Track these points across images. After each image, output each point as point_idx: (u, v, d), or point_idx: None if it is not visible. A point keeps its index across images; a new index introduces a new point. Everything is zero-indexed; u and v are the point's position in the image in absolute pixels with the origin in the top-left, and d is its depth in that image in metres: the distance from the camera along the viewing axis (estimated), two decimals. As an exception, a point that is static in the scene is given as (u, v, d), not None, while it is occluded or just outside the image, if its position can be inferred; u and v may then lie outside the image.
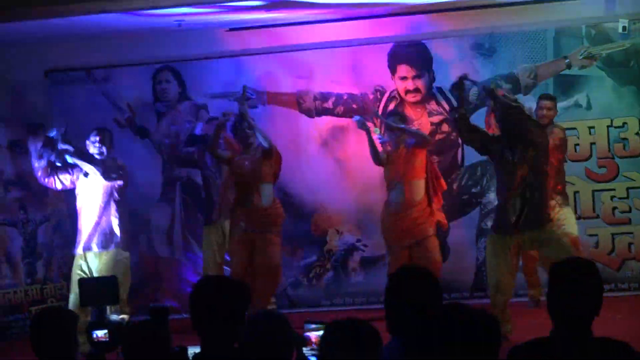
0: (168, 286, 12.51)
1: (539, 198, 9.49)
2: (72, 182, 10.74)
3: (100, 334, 7.52)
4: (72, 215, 11.50)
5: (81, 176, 10.53)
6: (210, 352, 4.83)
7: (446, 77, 11.96)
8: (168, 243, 12.48)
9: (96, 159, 10.53)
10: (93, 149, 10.51)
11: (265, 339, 4.87)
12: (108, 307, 9.18)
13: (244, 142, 10.72)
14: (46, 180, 10.73)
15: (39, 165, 10.66)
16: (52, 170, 10.69)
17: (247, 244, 10.69)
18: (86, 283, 10.04)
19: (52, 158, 10.66)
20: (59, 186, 10.77)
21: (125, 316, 9.51)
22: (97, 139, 10.50)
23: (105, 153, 10.49)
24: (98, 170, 10.44)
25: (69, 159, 10.59)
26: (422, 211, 10.56)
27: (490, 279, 9.69)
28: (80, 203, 10.70)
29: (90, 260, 10.60)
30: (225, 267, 11.29)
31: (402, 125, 10.55)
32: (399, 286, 5.04)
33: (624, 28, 11.52)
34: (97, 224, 10.52)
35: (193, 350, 5.13)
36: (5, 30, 11.06)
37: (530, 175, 9.44)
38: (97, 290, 9.36)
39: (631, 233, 11.69)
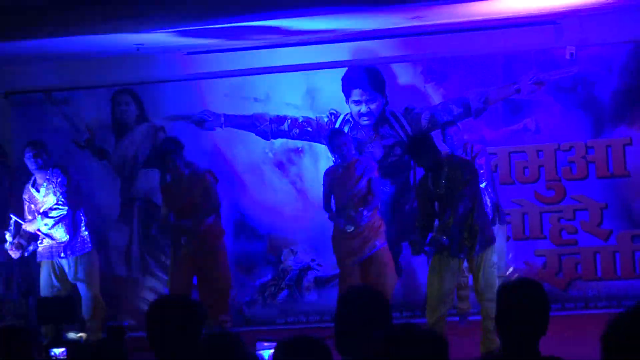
0: (125, 305, 12.48)
1: (485, 221, 9.59)
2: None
3: (57, 352, 7.50)
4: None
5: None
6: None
7: (399, 101, 12.07)
8: (126, 262, 12.46)
9: (40, 173, 10.60)
10: (31, 165, 10.54)
11: (220, 358, 4.91)
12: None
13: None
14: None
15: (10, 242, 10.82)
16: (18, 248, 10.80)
17: (188, 263, 10.68)
18: (44, 302, 10.02)
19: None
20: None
21: (82, 334, 9.49)
22: (31, 154, 10.51)
23: (42, 163, 10.50)
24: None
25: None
26: (371, 227, 10.58)
27: (431, 295, 9.70)
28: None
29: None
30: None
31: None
32: (347, 308, 5.09)
33: (571, 55, 11.64)
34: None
35: (150, 368, 5.15)
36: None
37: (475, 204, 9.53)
38: (55, 308, 9.33)
39: (578, 254, 11.78)
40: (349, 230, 10.32)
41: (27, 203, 10.76)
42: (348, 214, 10.35)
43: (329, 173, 10.73)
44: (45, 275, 10.66)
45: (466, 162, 9.72)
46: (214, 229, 10.79)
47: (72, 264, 10.57)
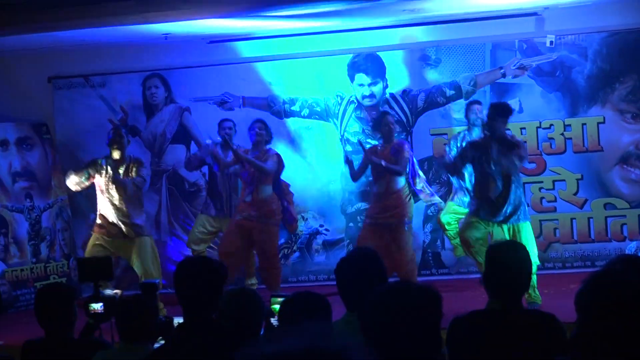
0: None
1: (519, 195, 9.56)
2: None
3: (96, 306, 7.48)
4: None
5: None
6: (192, 322, 4.86)
7: (398, 84, 12.06)
8: (156, 227, 12.44)
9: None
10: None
11: (239, 311, 4.92)
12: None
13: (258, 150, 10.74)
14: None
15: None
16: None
17: (244, 230, 10.66)
18: (84, 262, 10.01)
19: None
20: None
21: (118, 291, 9.48)
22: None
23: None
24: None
25: None
26: (403, 197, 10.45)
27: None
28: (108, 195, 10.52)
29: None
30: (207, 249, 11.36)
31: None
32: (343, 268, 5.10)
33: (551, 42, 11.61)
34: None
35: (178, 320, 5.16)
36: (14, 41, 11.03)
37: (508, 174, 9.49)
38: (93, 268, 9.33)
39: (556, 220, 11.78)
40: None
41: None
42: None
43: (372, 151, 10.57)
44: None
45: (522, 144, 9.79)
46: (272, 203, 10.83)
47: None
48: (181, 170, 12.52)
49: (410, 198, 10.49)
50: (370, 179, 11.29)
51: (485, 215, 9.52)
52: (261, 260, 10.91)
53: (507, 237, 9.30)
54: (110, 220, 10.18)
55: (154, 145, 12.55)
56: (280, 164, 10.86)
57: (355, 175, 10.64)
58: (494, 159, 9.42)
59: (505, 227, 9.45)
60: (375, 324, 3.36)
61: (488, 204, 9.49)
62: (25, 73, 12.80)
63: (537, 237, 11.51)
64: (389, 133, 10.33)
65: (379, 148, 10.47)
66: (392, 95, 12.12)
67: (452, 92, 11.94)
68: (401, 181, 10.38)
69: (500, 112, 9.52)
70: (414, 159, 10.66)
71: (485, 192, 9.56)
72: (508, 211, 9.42)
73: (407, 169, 10.46)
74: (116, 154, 10.09)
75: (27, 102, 12.78)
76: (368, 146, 10.84)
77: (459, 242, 10.42)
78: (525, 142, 11.47)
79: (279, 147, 11.60)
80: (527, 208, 9.75)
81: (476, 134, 10.41)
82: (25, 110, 12.69)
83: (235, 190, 11.32)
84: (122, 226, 10.14)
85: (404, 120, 11.83)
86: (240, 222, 10.72)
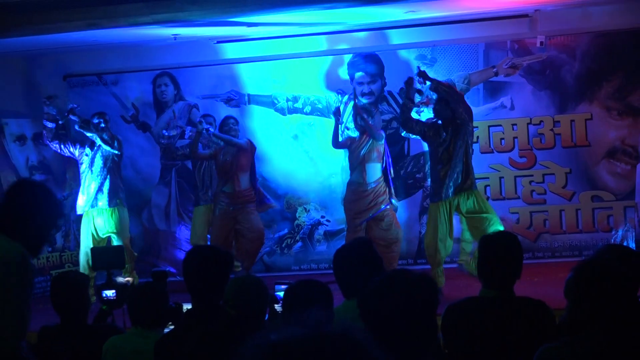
0: (165, 254, 12.53)
1: (467, 166, 9.63)
2: (71, 153, 11.03)
3: (109, 293, 7.48)
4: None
5: (85, 150, 10.78)
6: (199, 308, 4.85)
7: (395, 83, 12.03)
8: (166, 218, 12.47)
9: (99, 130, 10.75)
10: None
11: (244, 297, 4.91)
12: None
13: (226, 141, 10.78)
14: (49, 141, 10.98)
15: (48, 127, 10.90)
16: (56, 136, 10.97)
17: (228, 218, 10.79)
18: (97, 250, 10.03)
19: (60, 122, 11.05)
20: (56, 149, 11.07)
21: (130, 279, 9.49)
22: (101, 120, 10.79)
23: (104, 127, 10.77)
24: (99, 137, 10.74)
25: (77, 128, 10.92)
26: (379, 189, 10.57)
27: (429, 241, 9.84)
28: (83, 169, 10.87)
29: (97, 216, 10.82)
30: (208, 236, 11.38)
31: (367, 118, 10.60)
32: (340, 258, 5.13)
33: (541, 43, 11.58)
34: (102, 185, 10.67)
35: (187, 306, 5.15)
36: (31, 41, 11.02)
37: (459, 149, 9.57)
38: (106, 256, 9.34)
39: (546, 211, 11.78)
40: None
41: None
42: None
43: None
44: None
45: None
46: (250, 192, 10.98)
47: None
48: (189, 164, 12.51)
49: (385, 187, 10.67)
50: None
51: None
52: (243, 241, 10.99)
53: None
54: None
55: (163, 143, 12.52)
56: (252, 145, 11.10)
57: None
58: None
59: None
60: (373, 311, 3.35)
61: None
62: (42, 71, 12.82)
63: (527, 228, 11.60)
64: (362, 127, 10.56)
65: (356, 139, 10.69)
66: (389, 92, 12.10)
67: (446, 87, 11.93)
68: (377, 173, 10.52)
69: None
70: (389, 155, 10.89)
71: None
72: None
73: (383, 163, 10.69)
74: None
75: (53, 101, 12.78)
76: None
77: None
78: (516, 136, 11.52)
79: (283, 143, 11.61)
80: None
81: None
82: (41, 107, 12.68)
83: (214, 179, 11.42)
84: None
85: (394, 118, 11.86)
86: (222, 212, 10.87)
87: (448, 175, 9.64)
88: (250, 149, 10.97)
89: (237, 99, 12.37)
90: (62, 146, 10.98)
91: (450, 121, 9.67)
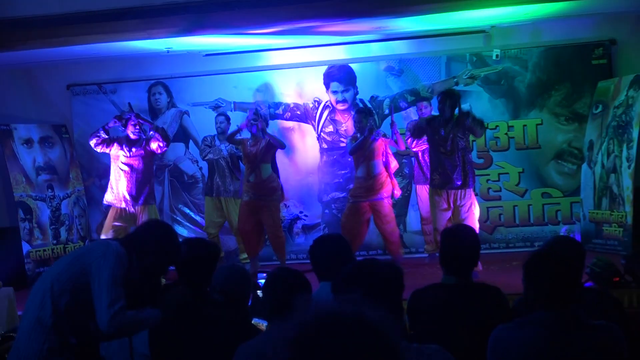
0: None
1: (467, 165, 9.63)
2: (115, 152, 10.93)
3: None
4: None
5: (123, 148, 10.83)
6: (189, 294, 4.86)
7: (366, 92, 12.06)
8: (160, 214, 12.41)
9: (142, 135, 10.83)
10: (132, 129, 10.79)
11: (230, 284, 4.92)
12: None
13: (256, 135, 10.73)
14: (96, 145, 10.87)
15: (100, 134, 10.81)
16: (104, 142, 10.84)
17: (253, 209, 10.72)
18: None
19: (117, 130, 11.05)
20: (102, 150, 10.96)
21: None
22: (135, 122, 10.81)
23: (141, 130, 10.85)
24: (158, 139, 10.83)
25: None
26: (380, 181, 10.54)
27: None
28: (124, 168, 10.79)
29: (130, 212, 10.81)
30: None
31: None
32: (315, 248, 5.20)
33: (497, 56, 11.67)
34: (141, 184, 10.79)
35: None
36: (37, 53, 11.00)
37: (459, 147, 9.58)
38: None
39: (501, 207, 11.83)
40: None
41: None
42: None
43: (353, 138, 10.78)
44: None
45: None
46: (272, 182, 10.91)
47: None
48: (181, 165, 12.55)
49: (387, 180, 10.62)
50: (343, 171, 11.43)
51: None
52: (269, 232, 10.91)
53: None
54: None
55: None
56: (274, 144, 10.93)
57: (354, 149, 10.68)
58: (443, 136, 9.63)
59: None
60: (346, 294, 3.38)
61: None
62: (47, 81, 12.77)
63: (484, 222, 11.61)
64: (361, 128, 10.49)
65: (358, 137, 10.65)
66: (361, 100, 12.11)
67: (413, 98, 11.97)
68: (379, 166, 10.52)
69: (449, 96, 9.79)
70: (389, 150, 10.81)
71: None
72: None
73: (384, 158, 10.68)
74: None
75: (49, 106, 12.76)
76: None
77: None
78: (475, 141, 11.55)
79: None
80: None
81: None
82: (47, 113, 12.67)
83: (233, 173, 11.34)
84: None
85: (372, 121, 11.84)
86: (248, 202, 10.75)
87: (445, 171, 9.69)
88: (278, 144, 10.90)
89: (224, 106, 12.35)
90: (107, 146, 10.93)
91: (449, 119, 9.69)
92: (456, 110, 9.72)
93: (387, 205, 10.56)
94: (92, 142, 10.81)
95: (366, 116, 10.65)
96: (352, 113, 11.79)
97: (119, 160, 10.79)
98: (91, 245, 5.06)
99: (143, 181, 10.85)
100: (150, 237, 4.74)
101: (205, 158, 11.50)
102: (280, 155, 11.95)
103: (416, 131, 10.20)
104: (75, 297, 4.56)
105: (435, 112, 10.51)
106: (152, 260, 4.66)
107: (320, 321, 1.98)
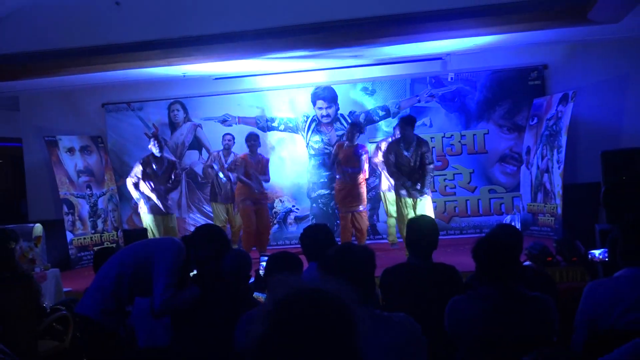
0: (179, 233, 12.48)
1: (423, 179, 9.54)
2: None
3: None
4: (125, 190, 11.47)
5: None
6: (204, 274, 4.85)
7: (345, 108, 12.05)
8: (178, 207, 12.37)
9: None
10: (154, 149, 10.47)
11: (237, 266, 4.89)
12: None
13: (254, 153, 10.85)
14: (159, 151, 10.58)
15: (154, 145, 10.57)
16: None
17: (253, 212, 10.75)
18: (128, 233, 9.89)
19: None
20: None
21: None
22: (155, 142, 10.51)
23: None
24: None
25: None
26: (361, 188, 10.63)
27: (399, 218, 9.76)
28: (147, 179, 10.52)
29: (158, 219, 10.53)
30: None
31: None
32: (305, 235, 5.21)
33: (451, 78, 11.66)
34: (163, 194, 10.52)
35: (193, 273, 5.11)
36: (78, 78, 10.99)
37: (417, 164, 9.52)
38: (135, 237, 9.26)
39: (456, 201, 11.81)
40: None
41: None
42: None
43: (339, 145, 10.81)
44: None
45: (427, 142, 9.80)
46: (265, 191, 11.09)
47: None
48: (195, 168, 12.48)
49: (365, 189, 10.68)
50: (327, 173, 11.43)
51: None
52: (261, 231, 10.87)
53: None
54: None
55: (176, 152, 12.46)
56: (267, 164, 11.05)
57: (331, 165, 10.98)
58: (405, 154, 9.54)
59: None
60: (330, 272, 3.39)
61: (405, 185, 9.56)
62: (86, 100, 12.72)
63: (442, 213, 11.62)
64: (352, 137, 10.58)
65: (345, 146, 10.67)
66: (342, 115, 12.09)
67: (383, 112, 11.97)
68: (360, 177, 10.63)
69: (409, 122, 9.59)
70: (369, 160, 10.89)
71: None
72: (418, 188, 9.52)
73: (363, 166, 10.71)
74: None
75: (87, 121, 12.71)
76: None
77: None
78: (434, 147, 11.55)
79: (264, 152, 11.58)
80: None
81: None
82: (85, 126, 12.63)
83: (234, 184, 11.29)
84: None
85: (350, 134, 11.84)
86: (252, 206, 10.76)
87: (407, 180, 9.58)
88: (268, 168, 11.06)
89: (230, 120, 12.33)
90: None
91: (411, 141, 9.58)
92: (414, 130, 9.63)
93: (364, 215, 10.79)
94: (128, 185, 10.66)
95: (359, 129, 10.77)
96: (334, 125, 11.87)
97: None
98: (161, 239, 5.36)
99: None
100: (204, 237, 4.95)
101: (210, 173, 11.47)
102: (276, 160, 11.99)
103: (386, 159, 9.94)
104: (135, 276, 4.86)
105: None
106: (205, 254, 4.84)
107: (287, 297, 2.05)
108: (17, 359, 4.55)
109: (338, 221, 11.11)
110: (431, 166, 9.57)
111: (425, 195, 9.60)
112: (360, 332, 2.03)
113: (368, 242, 10.79)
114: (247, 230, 10.73)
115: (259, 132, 11.84)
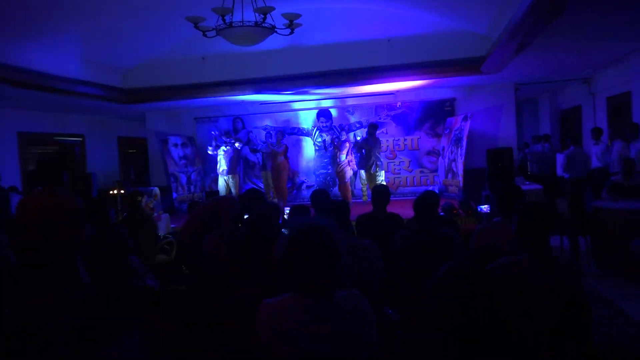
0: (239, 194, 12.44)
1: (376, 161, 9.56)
2: (215, 152, 10.94)
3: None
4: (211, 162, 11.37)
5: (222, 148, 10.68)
6: (253, 217, 4.57)
7: (337, 122, 11.95)
8: (238, 178, 12.34)
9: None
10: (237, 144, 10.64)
11: (272, 213, 4.75)
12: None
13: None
14: (213, 151, 10.71)
15: (213, 145, 10.67)
16: (215, 148, 10.72)
17: (274, 174, 10.79)
18: (210, 193, 9.89)
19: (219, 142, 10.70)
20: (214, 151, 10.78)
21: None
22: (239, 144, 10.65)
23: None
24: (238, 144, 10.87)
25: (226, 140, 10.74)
26: (345, 167, 10.60)
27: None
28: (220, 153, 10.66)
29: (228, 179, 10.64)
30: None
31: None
32: (313, 195, 5.10)
33: (399, 105, 11.55)
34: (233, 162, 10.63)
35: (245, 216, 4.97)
36: (179, 103, 10.93)
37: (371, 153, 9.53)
38: (213, 194, 9.29)
39: (401, 178, 11.73)
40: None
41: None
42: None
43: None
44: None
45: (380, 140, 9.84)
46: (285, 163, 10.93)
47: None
48: (248, 156, 12.39)
49: (346, 166, 10.61)
50: (325, 160, 11.39)
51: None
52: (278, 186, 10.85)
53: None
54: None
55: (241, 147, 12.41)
56: (286, 148, 11.00)
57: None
58: (370, 146, 9.58)
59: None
60: (324, 216, 3.42)
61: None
62: (184, 116, 12.62)
63: (392, 184, 11.57)
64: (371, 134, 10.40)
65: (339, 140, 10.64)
66: (334, 126, 12.01)
67: (359, 125, 11.85)
68: (342, 158, 10.58)
69: (373, 127, 9.67)
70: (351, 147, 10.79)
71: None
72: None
73: (348, 151, 10.64)
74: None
75: (185, 128, 12.58)
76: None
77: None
78: (388, 145, 11.53)
79: (290, 149, 11.55)
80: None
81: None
82: (184, 131, 12.58)
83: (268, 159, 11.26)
84: None
85: (340, 137, 11.83)
86: (272, 172, 10.79)
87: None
88: (285, 149, 11.02)
89: (269, 129, 12.23)
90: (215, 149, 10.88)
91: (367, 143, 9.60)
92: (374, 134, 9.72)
93: (347, 182, 10.69)
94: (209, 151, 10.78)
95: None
96: (329, 132, 11.80)
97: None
98: (224, 197, 5.02)
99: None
100: (251, 196, 4.72)
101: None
102: (295, 154, 11.95)
103: (357, 150, 10.12)
104: (210, 216, 4.63)
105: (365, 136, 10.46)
106: (251, 204, 4.62)
107: (299, 227, 2.07)
108: (142, 266, 4.57)
109: (332, 188, 11.12)
110: (382, 154, 9.72)
111: (382, 171, 9.76)
112: (342, 248, 2.08)
113: (352, 201, 10.78)
114: (275, 187, 10.78)
115: (286, 135, 11.82)
